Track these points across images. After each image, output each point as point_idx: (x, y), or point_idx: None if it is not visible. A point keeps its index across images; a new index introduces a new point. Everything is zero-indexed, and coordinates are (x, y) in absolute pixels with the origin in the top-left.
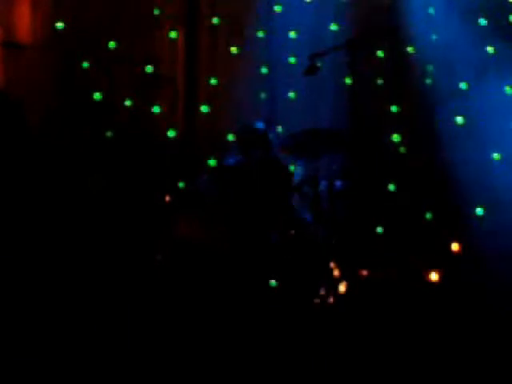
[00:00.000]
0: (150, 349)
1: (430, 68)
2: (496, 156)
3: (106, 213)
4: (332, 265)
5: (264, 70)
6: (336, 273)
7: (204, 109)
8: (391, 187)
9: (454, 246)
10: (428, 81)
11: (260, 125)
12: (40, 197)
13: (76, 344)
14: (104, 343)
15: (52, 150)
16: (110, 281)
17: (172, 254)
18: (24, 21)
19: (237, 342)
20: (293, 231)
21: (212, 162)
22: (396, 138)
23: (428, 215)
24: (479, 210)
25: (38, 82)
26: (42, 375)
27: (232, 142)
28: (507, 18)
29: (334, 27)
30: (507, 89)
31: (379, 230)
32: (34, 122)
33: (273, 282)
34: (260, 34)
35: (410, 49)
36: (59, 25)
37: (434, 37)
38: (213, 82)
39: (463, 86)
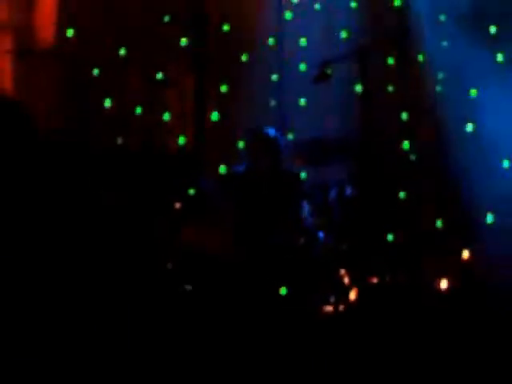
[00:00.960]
0: (154, 354)
1: (441, 75)
2: (506, 163)
3: (115, 220)
4: (342, 272)
5: (274, 77)
6: (346, 280)
7: (214, 116)
8: (401, 194)
9: (465, 254)
10: (438, 88)
11: (270, 131)
12: (47, 204)
13: (79, 347)
14: (108, 347)
15: (60, 156)
16: (118, 287)
17: (179, 260)
18: (36, 28)
19: (243, 349)
20: (302, 238)
21: (222, 169)
22: (406, 145)
23: (438, 222)
24: (489, 217)
25: (47, 88)
26: (42, 375)
27: (242, 148)
28: None
29: (344, 34)
30: None
31: (389, 237)
32: (42, 128)
33: (283, 290)
34: (270, 42)
35: (420, 56)
36: (69, 31)
37: (444, 43)
38: (223, 88)
39: (473, 93)
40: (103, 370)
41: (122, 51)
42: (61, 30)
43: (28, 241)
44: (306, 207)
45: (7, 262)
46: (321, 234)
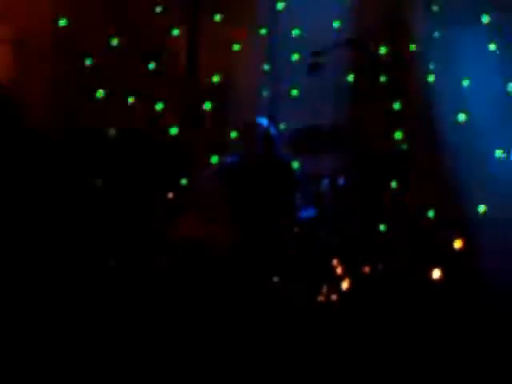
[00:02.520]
0: (151, 350)
1: (433, 65)
2: (498, 152)
3: (108, 213)
4: (335, 262)
5: (266, 67)
6: (339, 270)
7: (207, 106)
8: (393, 184)
9: (457, 243)
10: (430, 78)
11: (262, 121)
12: (39, 196)
13: (76, 346)
14: (105, 345)
15: (53, 147)
16: (112, 281)
17: (173, 252)
18: (30, 19)
19: (237, 339)
20: (295, 228)
21: (214, 159)
22: (398, 135)
23: (431, 212)
24: (481, 207)
25: (40, 79)
26: (42, 375)
27: (234, 138)
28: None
29: (336, 24)
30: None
31: (382, 227)
32: (34, 120)
33: (275, 279)
34: (262, 31)
35: (412, 46)
36: (62, 21)
37: (436, 34)
38: (215, 79)
39: (465, 83)
40: (103, 368)
41: (115, 41)
42: (56, 20)
43: (21, 235)
44: (299, 197)
45: (3, 260)
46: (313, 224)
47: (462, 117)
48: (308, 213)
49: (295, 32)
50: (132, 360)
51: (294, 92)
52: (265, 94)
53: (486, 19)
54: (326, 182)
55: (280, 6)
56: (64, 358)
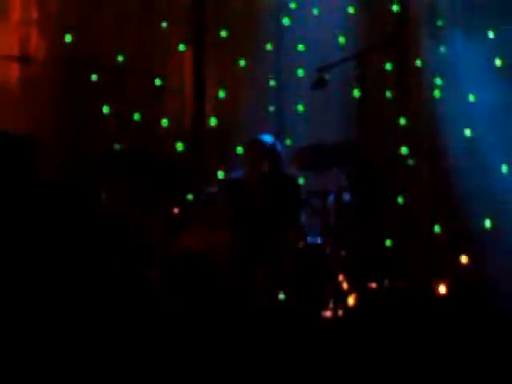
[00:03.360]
0: (153, 356)
1: (439, 81)
2: (505, 168)
3: (111, 225)
4: (341, 277)
5: (272, 83)
6: (345, 285)
7: (213, 121)
8: (399, 199)
9: (463, 259)
10: (436, 93)
11: (268, 138)
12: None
13: (77, 348)
14: (104, 349)
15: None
16: (113, 291)
17: (176, 265)
18: (33, 34)
19: (241, 354)
20: (301, 244)
21: (220, 175)
22: (404, 150)
23: (437, 228)
24: (487, 222)
25: (45, 94)
26: (42, 375)
27: (240, 155)
28: None
29: (342, 40)
30: None
31: (388, 242)
32: (39, 134)
33: (281, 295)
34: (268, 47)
35: (418, 62)
36: (67, 37)
37: (442, 49)
38: (221, 94)
39: (471, 97)
40: (102, 371)
41: (120, 58)
42: (60, 36)
43: (24, 242)
44: (305, 213)
45: (6, 265)
46: (319, 240)
47: (467, 132)
48: (314, 239)
49: (300, 47)
50: (131, 360)
51: (300, 108)
52: (271, 109)
53: (491, 34)
54: (331, 197)
55: (286, 21)
56: (64, 358)
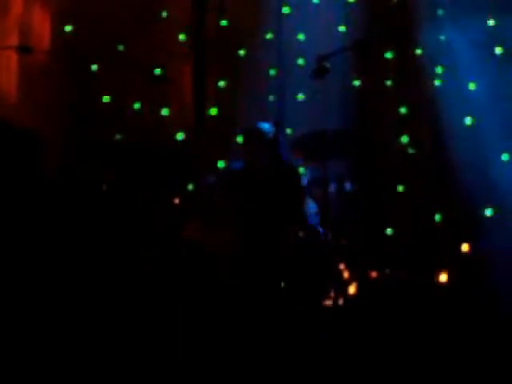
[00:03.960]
0: (155, 350)
1: (439, 69)
2: (505, 156)
3: (114, 216)
4: (342, 266)
5: (272, 72)
6: (346, 274)
7: (213, 111)
8: (399, 188)
9: (464, 247)
10: (437, 82)
11: (268, 127)
12: (44, 195)
13: (78, 347)
14: (106, 347)
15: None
16: (115, 284)
17: (179, 256)
18: (37, 25)
19: (243, 343)
20: (302, 233)
21: (220, 164)
22: (404, 139)
23: (437, 216)
24: (488, 211)
25: (48, 84)
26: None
27: (240, 144)
28: None
29: (342, 29)
30: None
31: (388, 231)
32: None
33: (282, 284)
34: (268, 36)
35: (418, 50)
36: (67, 28)
37: (442, 37)
38: (221, 84)
39: (471, 86)
40: (103, 369)
41: (120, 47)
42: (60, 27)
43: (26, 238)
44: (308, 202)
45: (7, 263)
46: (320, 229)
47: (468, 121)
48: (314, 220)
49: (301, 37)
50: (132, 357)
51: (300, 97)
52: (271, 99)
53: (490, 23)
54: (333, 186)
55: (286, 10)
56: (64, 358)
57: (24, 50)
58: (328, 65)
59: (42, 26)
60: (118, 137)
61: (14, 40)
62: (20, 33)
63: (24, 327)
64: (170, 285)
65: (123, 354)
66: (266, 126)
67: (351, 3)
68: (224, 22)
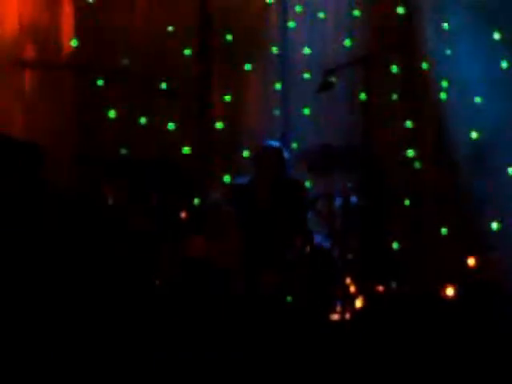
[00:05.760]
0: (158, 360)
1: (445, 83)
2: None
3: (117, 229)
4: (348, 281)
5: (278, 86)
6: (352, 289)
7: (219, 125)
8: (406, 202)
9: (471, 261)
10: (443, 96)
11: (275, 143)
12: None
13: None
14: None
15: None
16: (120, 298)
17: (184, 271)
18: (51, 38)
19: (249, 358)
20: (308, 248)
21: (226, 179)
22: (410, 153)
23: (443, 230)
24: (495, 225)
25: (51, 100)
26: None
27: (246, 159)
28: None
29: (348, 43)
30: None
31: (395, 245)
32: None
33: (288, 298)
34: (274, 51)
35: (424, 64)
36: (74, 42)
37: (448, 51)
38: (227, 98)
39: (478, 99)
40: (103, 370)
41: (125, 61)
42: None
43: (29, 245)
44: (312, 216)
45: (8, 266)
46: (326, 243)
47: (474, 134)
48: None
49: (306, 51)
50: (134, 361)
51: (306, 111)
52: (276, 113)
53: (497, 35)
54: (338, 200)
55: (291, 24)
56: (63, 357)
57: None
58: (333, 79)
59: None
60: (123, 151)
61: (27, 53)
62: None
63: (25, 335)
64: (175, 300)
65: (124, 356)
66: (274, 144)
67: (357, 17)
68: (229, 36)
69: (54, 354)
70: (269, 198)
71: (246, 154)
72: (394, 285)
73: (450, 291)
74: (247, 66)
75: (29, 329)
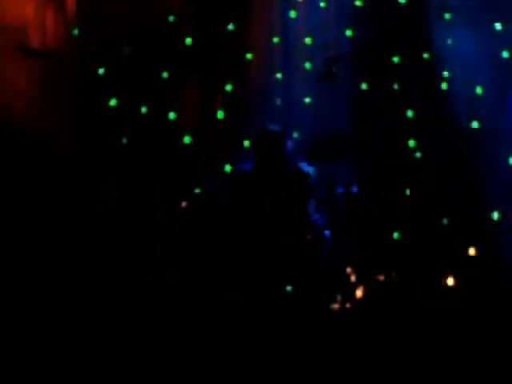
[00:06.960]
0: (158, 352)
1: (447, 73)
2: None
3: (119, 219)
4: (349, 270)
5: (279, 76)
6: (353, 278)
7: (220, 115)
8: (407, 192)
9: (471, 251)
10: (444, 85)
11: (276, 130)
12: (48, 203)
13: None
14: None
15: (64, 156)
16: (120, 288)
17: (186, 258)
18: (45, 27)
19: (248, 347)
20: (309, 236)
21: (227, 168)
22: (412, 143)
23: (445, 220)
24: (495, 215)
25: (51, 88)
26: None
27: (248, 147)
28: None
29: (349, 32)
30: None
31: (396, 235)
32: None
33: (289, 288)
34: (275, 40)
35: (426, 54)
36: (74, 31)
37: (449, 41)
38: (228, 87)
39: (479, 90)
40: (104, 369)
41: (126, 49)
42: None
43: (26, 239)
44: (313, 205)
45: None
46: (327, 232)
47: (475, 124)
48: (320, 219)
49: (308, 40)
50: (135, 357)
51: (308, 100)
52: (278, 102)
53: (498, 26)
54: (340, 189)
55: (293, 14)
56: (64, 357)
57: (31, 53)
58: (334, 68)
59: (55, 28)
60: (124, 140)
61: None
62: (32, 35)
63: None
64: (178, 286)
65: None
66: (277, 129)
67: (359, 6)
68: (231, 26)
69: (54, 352)
70: (271, 184)
71: (246, 143)
72: (394, 274)
73: (450, 281)
74: (249, 56)
75: (28, 329)
